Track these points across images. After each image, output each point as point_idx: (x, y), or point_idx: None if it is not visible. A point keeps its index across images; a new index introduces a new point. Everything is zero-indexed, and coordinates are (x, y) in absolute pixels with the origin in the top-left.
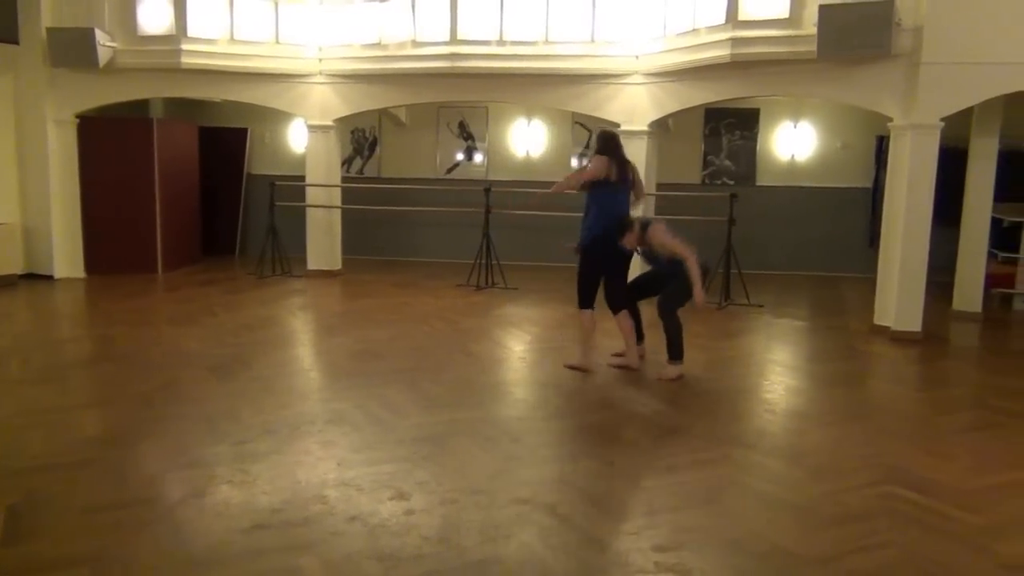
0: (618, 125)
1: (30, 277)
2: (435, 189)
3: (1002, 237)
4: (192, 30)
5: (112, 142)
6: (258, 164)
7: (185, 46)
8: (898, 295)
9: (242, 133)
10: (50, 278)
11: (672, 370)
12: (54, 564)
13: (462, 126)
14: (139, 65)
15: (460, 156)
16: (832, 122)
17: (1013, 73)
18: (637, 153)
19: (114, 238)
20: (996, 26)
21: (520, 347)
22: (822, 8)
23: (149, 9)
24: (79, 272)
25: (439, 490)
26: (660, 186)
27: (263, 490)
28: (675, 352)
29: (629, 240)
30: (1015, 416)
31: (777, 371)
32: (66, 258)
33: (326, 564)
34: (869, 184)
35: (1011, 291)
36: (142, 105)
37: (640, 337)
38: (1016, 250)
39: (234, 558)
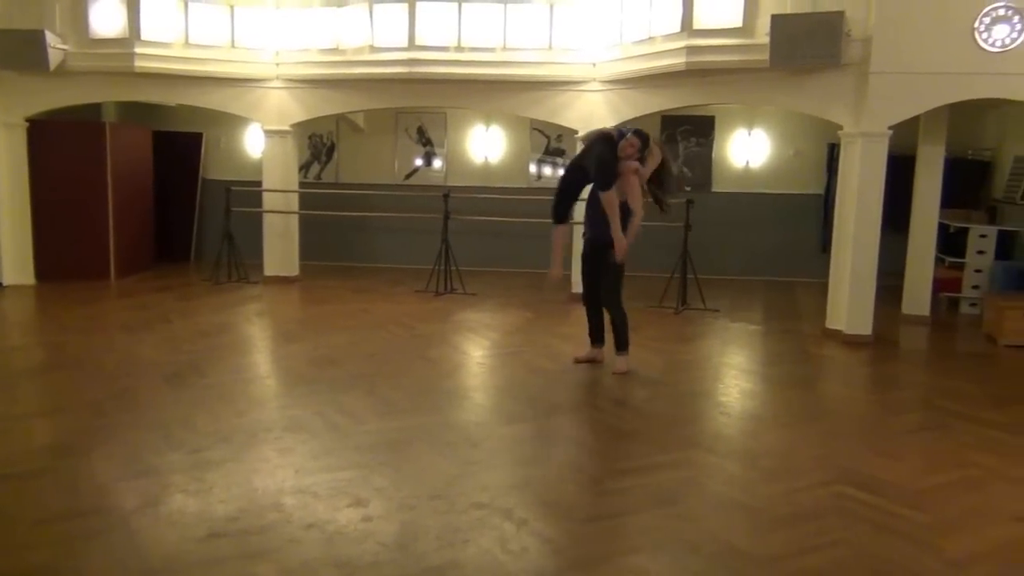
0: (576, 131)
1: None
2: (393, 195)
3: (949, 242)
4: (146, 33)
5: (63, 146)
6: (214, 169)
7: (139, 49)
8: (849, 299)
9: (197, 138)
10: None
11: (621, 363)
12: None
13: (420, 132)
14: (91, 68)
15: (419, 162)
16: (785, 130)
17: (957, 83)
18: None
19: (65, 244)
20: (941, 37)
21: (479, 352)
22: (774, 18)
23: (101, 11)
24: (29, 279)
25: (397, 496)
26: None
27: (219, 498)
28: (622, 343)
29: (632, 146)
30: (961, 417)
31: (732, 374)
32: (15, 264)
33: (283, 572)
34: (821, 191)
35: (958, 295)
36: (94, 109)
37: (600, 340)
38: (962, 255)
39: (190, 567)
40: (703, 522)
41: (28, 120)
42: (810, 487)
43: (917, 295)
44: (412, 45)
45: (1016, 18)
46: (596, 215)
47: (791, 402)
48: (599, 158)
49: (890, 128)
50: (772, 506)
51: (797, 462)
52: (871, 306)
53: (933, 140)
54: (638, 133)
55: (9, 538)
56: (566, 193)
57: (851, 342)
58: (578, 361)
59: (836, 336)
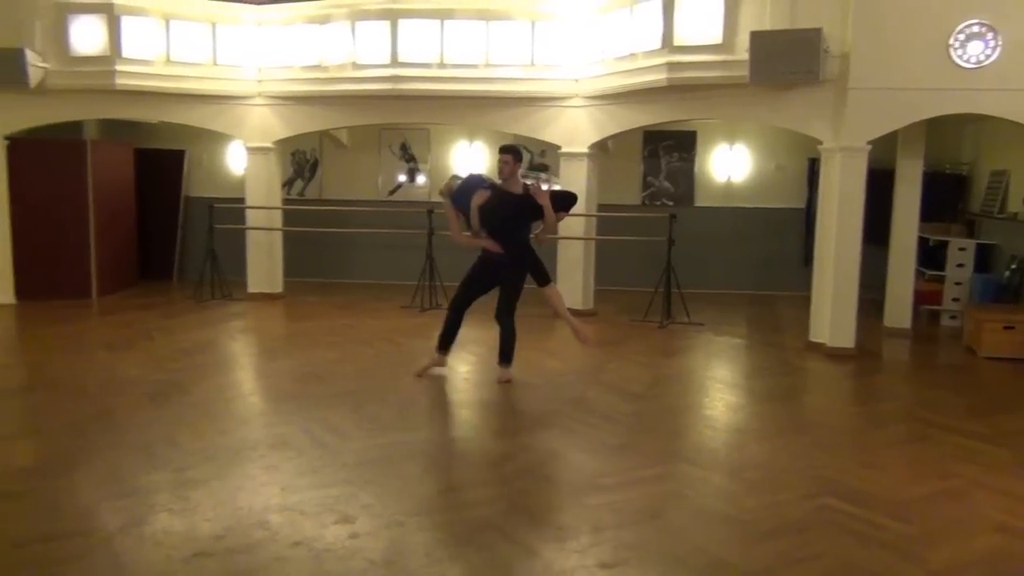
0: (559, 147)
1: None
2: (377, 211)
3: (928, 255)
4: (127, 51)
5: (44, 164)
6: (196, 186)
7: (120, 67)
8: (832, 312)
9: (179, 155)
10: None
11: (505, 374)
12: None
13: (404, 148)
14: (72, 86)
15: (402, 177)
16: (766, 144)
17: (934, 99)
18: (577, 175)
19: (46, 263)
20: (917, 54)
21: (464, 368)
22: (753, 35)
23: (82, 29)
24: (9, 298)
25: (384, 513)
26: (601, 207)
27: (204, 517)
28: (507, 356)
29: (505, 163)
30: (943, 428)
31: (717, 388)
32: None
33: None
34: (803, 205)
35: (938, 307)
36: (75, 126)
37: (446, 348)
38: (942, 268)
39: None
40: (689, 535)
41: (8, 138)
42: (795, 499)
43: (898, 308)
44: (395, 62)
45: (990, 35)
46: (503, 237)
47: (775, 415)
48: (517, 204)
49: (869, 143)
50: (758, 519)
51: (782, 474)
52: (853, 319)
53: (911, 154)
54: (504, 148)
55: None
56: (527, 251)
57: (834, 355)
58: (419, 375)
59: (819, 349)
